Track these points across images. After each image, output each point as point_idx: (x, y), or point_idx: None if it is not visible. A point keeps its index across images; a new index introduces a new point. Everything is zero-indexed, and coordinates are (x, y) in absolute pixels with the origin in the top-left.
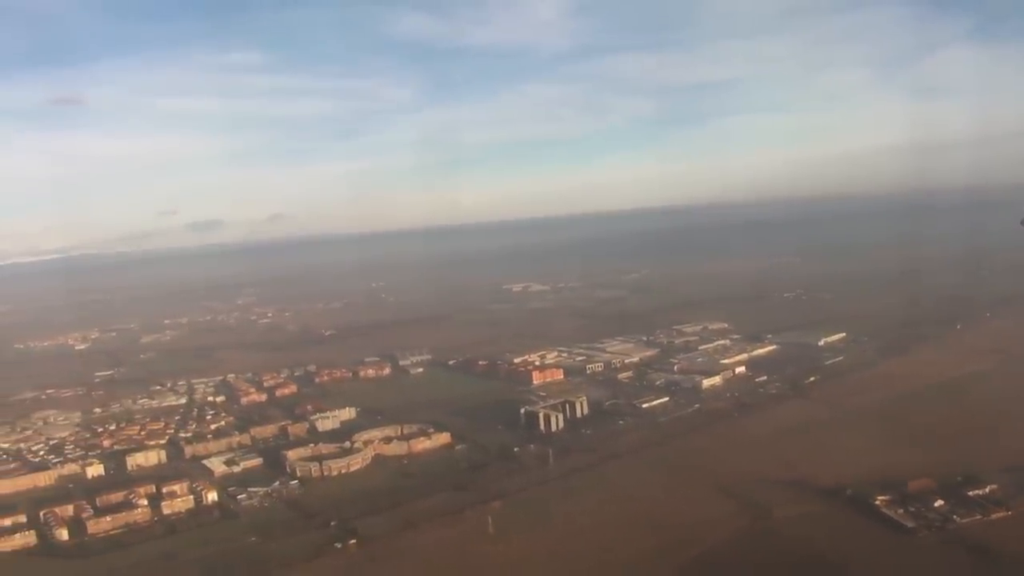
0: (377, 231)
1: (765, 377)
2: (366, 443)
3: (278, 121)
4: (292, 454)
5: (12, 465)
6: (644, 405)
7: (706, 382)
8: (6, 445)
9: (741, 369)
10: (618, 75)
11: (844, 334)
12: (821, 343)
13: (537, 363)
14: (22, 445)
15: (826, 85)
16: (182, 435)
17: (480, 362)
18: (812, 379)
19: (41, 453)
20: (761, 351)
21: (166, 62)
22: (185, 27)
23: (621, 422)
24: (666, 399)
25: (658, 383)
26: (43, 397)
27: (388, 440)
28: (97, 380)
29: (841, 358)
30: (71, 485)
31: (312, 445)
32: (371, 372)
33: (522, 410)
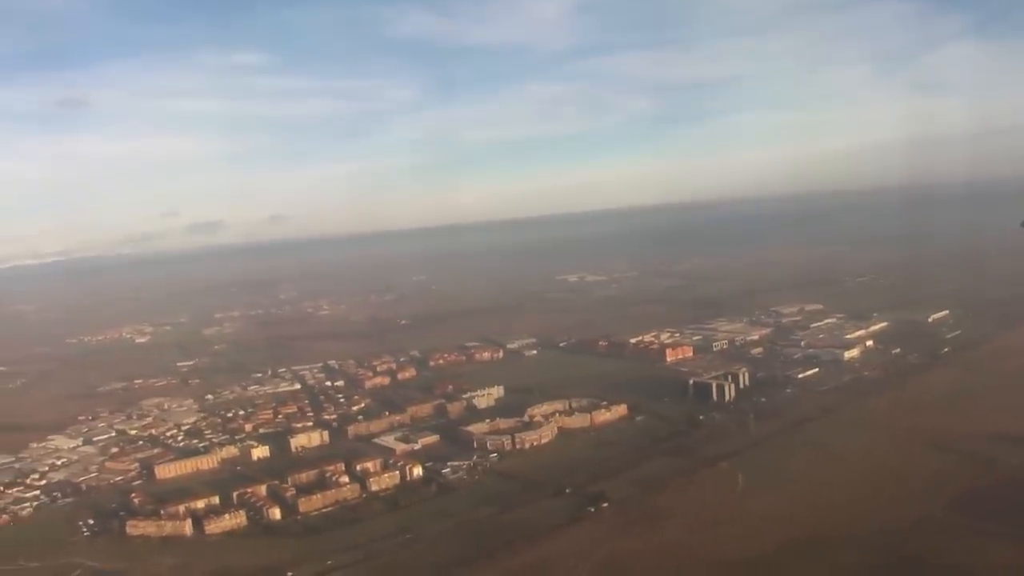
0: (378, 231)
1: (899, 349)
2: (546, 417)
3: (280, 122)
4: (475, 429)
5: (156, 450)
6: (799, 376)
7: (847, 354)
8: (133, 432)
9: (870, 343)
10: (619, 74)
11: (947, 311)
12: (930, 320)
13: (656, 344)
14: (153, 431)
15: (826, 82)
16: (326, 417)
17: (601, 343)
18: (946, 350)
19: (180, 438)
20: (875, 328)
21: (168, 63)
22: (188, 29)
23: (788, 390)
24: (815, 370)
25: (796, 356)
26: (135, 386)
27: (569, 413)
28: (184, 370)
29: (959, 332)
30: (239, 467)
31: (489, 420)
32: (486, 355)
33: (691, 381)
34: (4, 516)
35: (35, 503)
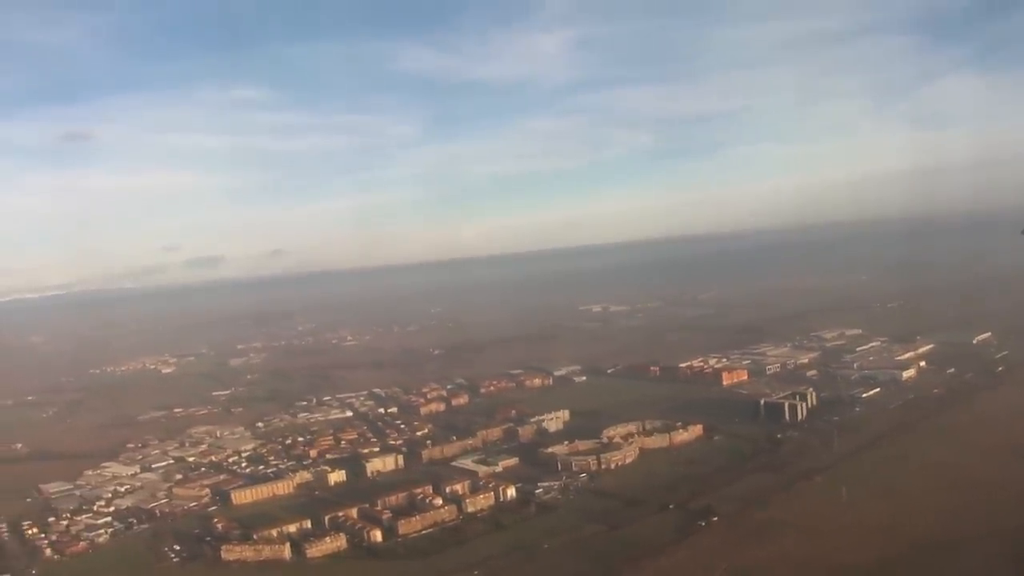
0: (380, 266)
1: (953, 369)
2: (624, 438)
3: (281, 157)
4: (557, 451)
5: (222, 476)
6: (863, 395)
7: (904, 374)
8: (191, 459)
9: (922, 364)
10: (621, 108)
11: (990, 333)
12: (975, 341)
13: (709, 368)
14: (212, 458)
15: (827, 115)
16: (391, 442)
17: (652, 368)
18: (1000, 369)
19: (244, 465)
20: (923, 350)
21: (170, 99)
22: (189, 64)
23: (857, 409)
24: (878, 389)
25: (853, 378)
26: (176, 415)
27: (648, 433)
28: (222, 399)
29: (1007, 352)
30: (316, 492)
31: (567, 442)
32: (536, 381)
33: (762, 402)
34: (81, 543)
35: (109, 530)
